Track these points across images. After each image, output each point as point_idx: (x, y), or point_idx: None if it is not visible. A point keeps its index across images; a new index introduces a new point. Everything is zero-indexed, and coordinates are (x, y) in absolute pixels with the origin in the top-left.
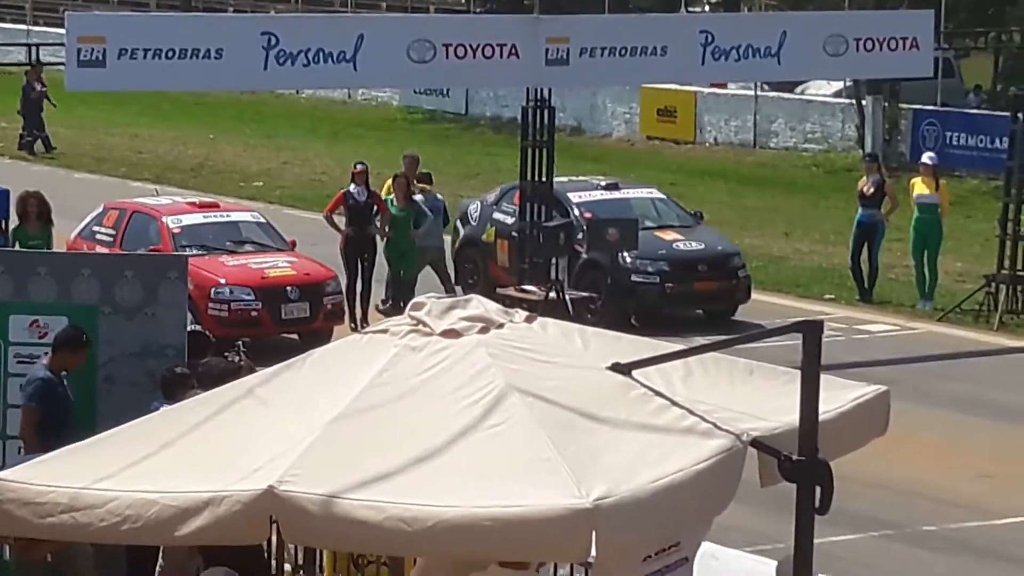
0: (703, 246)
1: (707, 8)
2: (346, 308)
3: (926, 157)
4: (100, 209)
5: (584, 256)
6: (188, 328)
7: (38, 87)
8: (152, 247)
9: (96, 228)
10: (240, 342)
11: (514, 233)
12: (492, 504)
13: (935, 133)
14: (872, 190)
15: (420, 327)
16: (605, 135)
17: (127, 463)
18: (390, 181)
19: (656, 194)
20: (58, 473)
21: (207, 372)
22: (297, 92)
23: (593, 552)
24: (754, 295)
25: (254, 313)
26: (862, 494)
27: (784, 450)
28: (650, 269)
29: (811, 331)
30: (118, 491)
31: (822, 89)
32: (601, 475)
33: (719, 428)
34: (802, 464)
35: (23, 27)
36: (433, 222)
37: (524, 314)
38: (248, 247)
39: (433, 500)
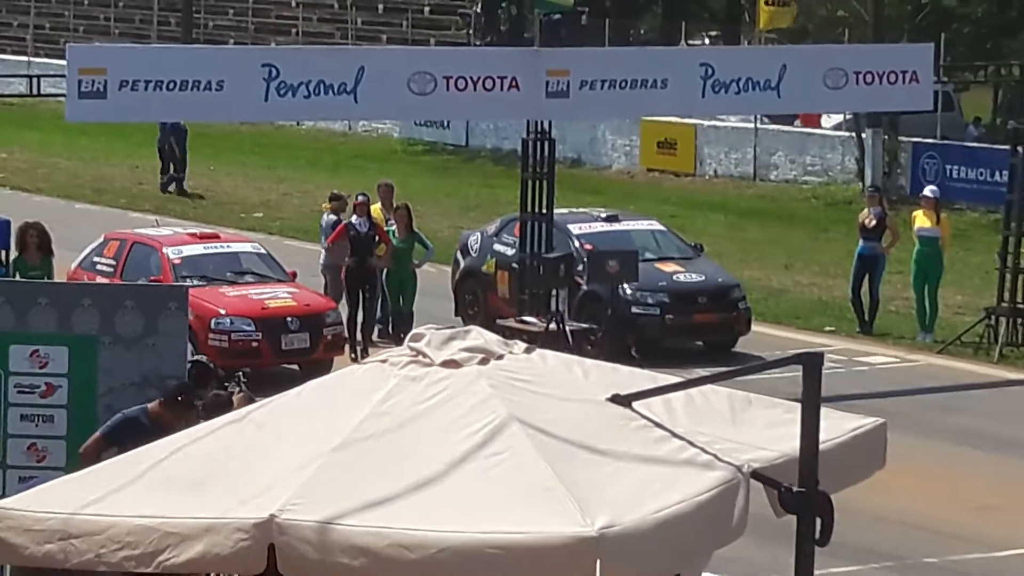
0: (703, 278)
1: (707, 41)
2: (347, 339)
3: (928, 190)
4: (100, 240)
5: (584, 288)
6: (192, 358)
7: (181, 124)
8: (152, 278)
9: (96, 259)
10: (240, 373)
11: (514, 264)
12: (497, 531)
13: (935, 166)
14: (874, 222)
15: (420, 358)
16: (605, 167)
17: (123, 486)
18: (376, 205)
19: (656, 226)
20: (56, 500)
21: (204, 407)
22: (297, 124)
23: None
24: (754, 327)
25: (254, 344)
26: (862, 526)
27: (784, 481)
28: (650, 301)
29: (811, 363)
30: (116, 516)
31: (822, 122)
32: (604, 505)
33: (720, 459)
34: (802, 496)
35: (24, 59)
36: None
37: (523, 345)
38: (248, 278)
39: (436, 527)
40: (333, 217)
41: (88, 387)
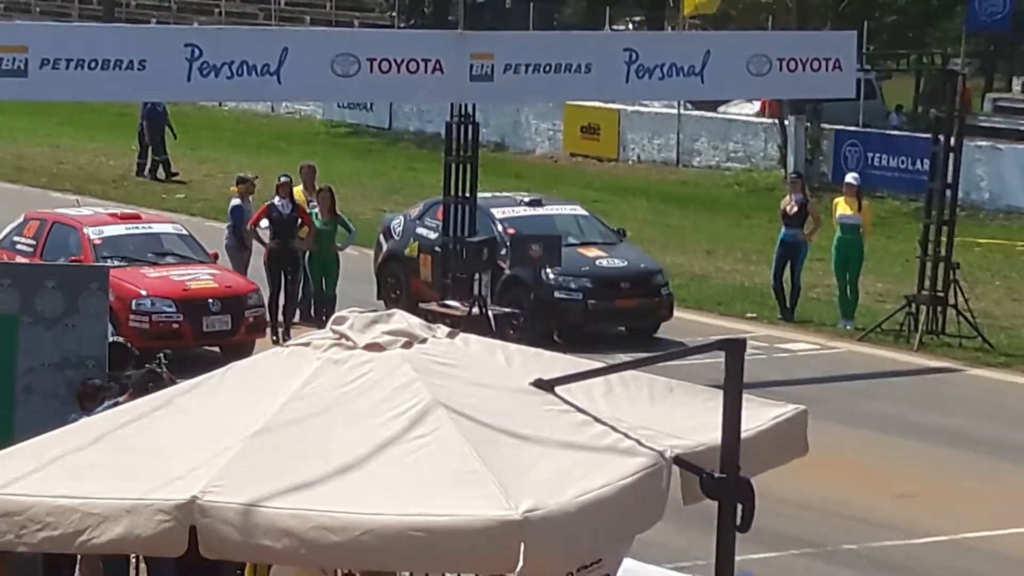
0: (626, 263)
1: (631, 26)
2: (268, 321)
3: (850, 177)
4: (21, 219)
5: (507, 272)
6: (109, 339)
7: (161, 107)
8: (73, 258)
9: (16, 238)
10: (161, 354)
11: (437, 248)
12: (421, 514)
13: (857, 154)
14: (795, 209)
15: (343, 341)
16: (529, 151)
17: (42, 467)
18: (299, 187)
19: (579, 211)
20: None
21: (134, 383)
22: (220, 104)
23: (519, 566)
24: (676, 313)
25: (175, 325)
26: (783, 512)
27: (705, 468)
28: (573, 286)
29: (734, 349)
30: (36, 497)
31: (744, 108)
32: (529, 489)
33: (642, 445)
34: (724, 482)
35: None
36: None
37: (447, 329)
38: (170, 259)
39: (360, 509)
40: (237, 201)
41: (7, 367)
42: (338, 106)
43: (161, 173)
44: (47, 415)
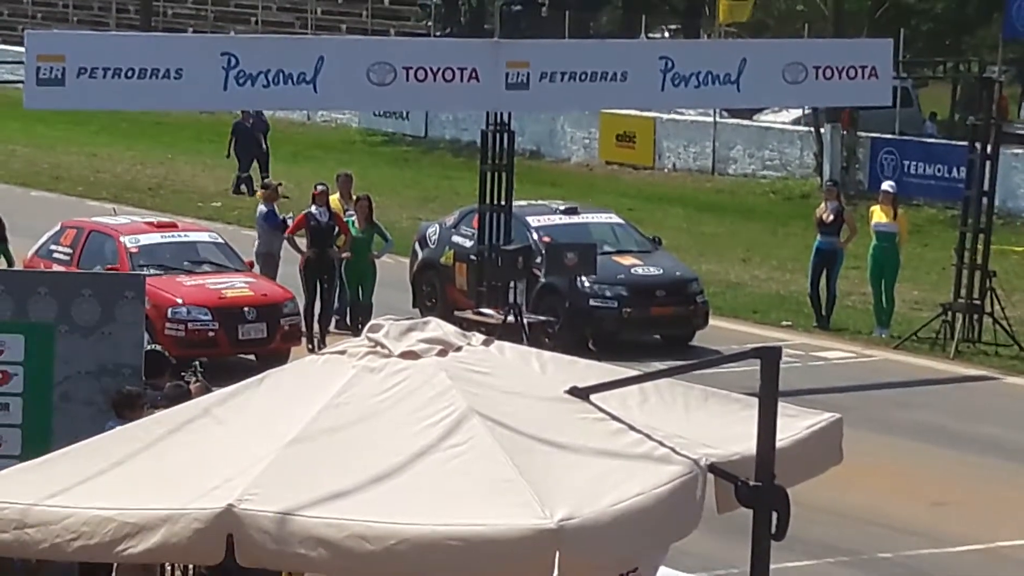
0: (661, 271)
1: (667, 34)
2: (304, 329)
3: (886, 185)
4: (57, 228)
5: (542, 280)
6: (146, 347)
7: (250, 121)
8: (109, 266)
9: (53, 247)
10: (197, 362)
11: (472, 256)
12: (456, 523)
13: (893, 162)
14: (831, 217)
15: (378, 349)
16: (564, 160)
17: (81, 479)
18: (335, 196)
19: (615, 219)
20: (11, 490)
21: (165, 397)
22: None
23: (555, 574)
24: (712, 321)
25: (211, 333)
26: (818, 521)
27: (740, 476)
28: (608, 294)
29: (769, 357)
30: (73, 507)
31: (780, 116)
32: (564, 497)
33: (677, 453)
34: (759, 490)
35: None
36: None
37: (482, 337)
38: (206, 267)
39: (396, 518)
40: (264, 207)
41: (44, 375)
42: (374, 114)
43: (244, 189)
44: (84, 423)
